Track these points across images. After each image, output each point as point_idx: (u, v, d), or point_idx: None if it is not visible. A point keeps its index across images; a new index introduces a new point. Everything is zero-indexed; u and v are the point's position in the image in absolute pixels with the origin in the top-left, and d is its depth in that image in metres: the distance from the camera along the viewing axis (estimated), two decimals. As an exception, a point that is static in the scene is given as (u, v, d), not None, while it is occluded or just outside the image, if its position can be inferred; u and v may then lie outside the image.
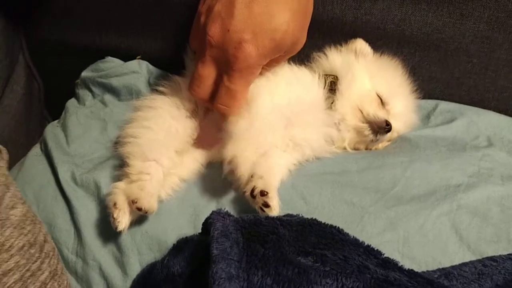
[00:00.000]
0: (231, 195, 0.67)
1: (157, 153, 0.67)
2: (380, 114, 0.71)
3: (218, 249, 0.45)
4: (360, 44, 0.76)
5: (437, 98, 0.81)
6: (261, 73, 0.67)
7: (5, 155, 0.68)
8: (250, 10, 0.61)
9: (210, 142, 0.72)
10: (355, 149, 0.75)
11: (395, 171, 0.66)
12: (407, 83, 0.77)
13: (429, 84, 0.79)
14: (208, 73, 0.66)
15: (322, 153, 0.70)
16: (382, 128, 0.71)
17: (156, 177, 0.65)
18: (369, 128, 0.71)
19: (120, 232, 0.64)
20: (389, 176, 0.66)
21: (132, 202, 0.61)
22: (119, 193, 0.63)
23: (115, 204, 0.62)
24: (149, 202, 0.62)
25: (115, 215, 0.62)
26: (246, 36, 0.61)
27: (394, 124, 0.72)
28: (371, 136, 0.72)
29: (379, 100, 0.73)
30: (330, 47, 0.76)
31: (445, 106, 0.79)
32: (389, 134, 0.72)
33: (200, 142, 0.73)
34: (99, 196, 0.68)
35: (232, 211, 0.64)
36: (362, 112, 0.72)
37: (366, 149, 0.75)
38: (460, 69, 0.79)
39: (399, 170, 0.66)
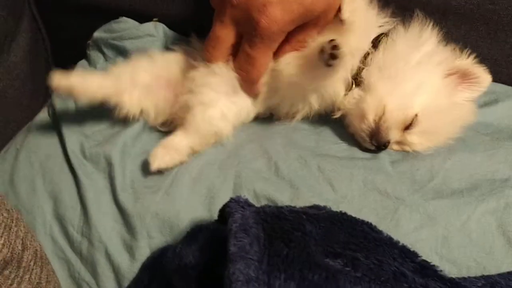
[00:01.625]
0: (247, 174, 0.61)
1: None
2: (392, 135, 0.61)
3: (237, 246, 0.40)
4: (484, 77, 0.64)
5: (482, 78, 0.73)
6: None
7: None
8: None
9: None
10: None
11: (432, 162, 0.59)
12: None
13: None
14: (226, 34, 0.61)
15: None
16: (378, 142, 0.61)
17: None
18: (369, 131, 0.61)
19: (130, 214, 0.60)
20: (425, 167, 0.59)
21: None
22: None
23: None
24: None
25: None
26: None
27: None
28: (365, 136, 0.62)
29: (409, 122, 0.61)
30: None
31: (490, 87, 0.70)
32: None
33: None
34: (110, 173, 0.64)
35: (248, 193, 0.59)
36: (382, 114, 0.61)
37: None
38: (512, 45, 0.71)
39: (437, 161, 0.59)
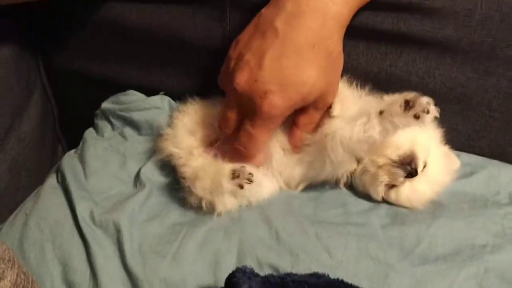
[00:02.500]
0: (250, 241, 0.66)
1: None
2: (421, 164, 0.69)
3: (244, 316, 0.44)
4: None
5: (458, 150, 0.81)
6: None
7: None
8: (279, 63, 0.62)
9: None
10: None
11: (418, 228, 0.66)
12: None
13: (451, 136, 0.79)
14: (233, 115, 0.68)
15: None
16: (415, 165, 0.67)
17: None
18: (404, 158, 0.68)
19: (138, 279, 0.63)
20: (413, 233, 0.65)
21: None
22: None
23: None
24: None
25: None
26: (273, 87, 0.63)
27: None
28: (398, 161, 0.68)
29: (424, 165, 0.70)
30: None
31: (466, 158, 0.79)
32: (402, 179, 0.69)
33: None
34: (119, 239, 0.67)
35: (251, 259, 0.63)
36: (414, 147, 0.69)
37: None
38: (482, 122, 0.79)
39: (422, 227, 0.66)
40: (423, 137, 0.70)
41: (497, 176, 0.76)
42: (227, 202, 0.69)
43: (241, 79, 0.64)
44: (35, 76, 0.93)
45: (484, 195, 0.73)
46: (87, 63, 0.94)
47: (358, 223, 0.68)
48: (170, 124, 0.80)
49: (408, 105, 0.62)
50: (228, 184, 0.66)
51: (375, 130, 0.64)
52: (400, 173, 0.68)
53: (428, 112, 0.62)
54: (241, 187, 0.66)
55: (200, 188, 0.68)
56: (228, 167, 0.67)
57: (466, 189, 0.74)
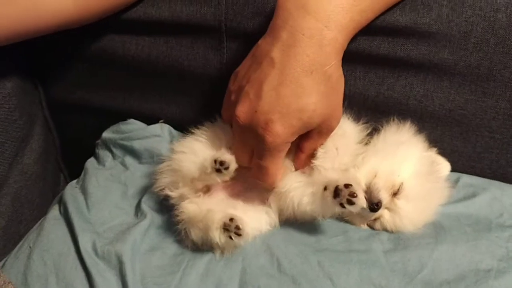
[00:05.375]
0: (252, 270, 0.66)
1: None
2: (382, 196, 0.68)
3: None
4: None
5: (459, 171, 0.81)
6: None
7: None
8: (277, 92, 0.63)
9: None
10: None
11: (421, 253, 0.65)
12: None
13: (451, 157, 0.79)
14: (241, 147, 0.69)
15: None
16: (370, 201, 0.67)
17: None
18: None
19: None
20: (416, 258, 0.64)
21: None
22: None
23: None
24: None
25: None
26: (273, 116, 0.63)
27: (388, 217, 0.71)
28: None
29: (397, 189, 0.70)
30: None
31: (467, 180, 0.79)
32: (371, 214, 0.69)
33: None
34: (121, 270, 0.67)
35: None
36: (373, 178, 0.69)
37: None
38: (482, 144, 0.79)
39: (426, 252, 0.65)
40: (392, 162, 0.70)
41: (500, 198, 0.76)
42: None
43: (241, 111, 0.65)
44: (37, 108, 0.94)
45: (487, 217, 0.73)
46: (88, 94, 0.95)
47: (360, 249, 0.67)
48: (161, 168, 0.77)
49: (336, 192, 0.64)
50: (219, 236, 0.66)
51: (317, 205, 0.67)
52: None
53: (352, 203, 0.63)
54: (231, 238, 0.66)
55: (196, 236, 0.69)
56: (218, 218, 0.67)
57: (469, 211, 0.74)
